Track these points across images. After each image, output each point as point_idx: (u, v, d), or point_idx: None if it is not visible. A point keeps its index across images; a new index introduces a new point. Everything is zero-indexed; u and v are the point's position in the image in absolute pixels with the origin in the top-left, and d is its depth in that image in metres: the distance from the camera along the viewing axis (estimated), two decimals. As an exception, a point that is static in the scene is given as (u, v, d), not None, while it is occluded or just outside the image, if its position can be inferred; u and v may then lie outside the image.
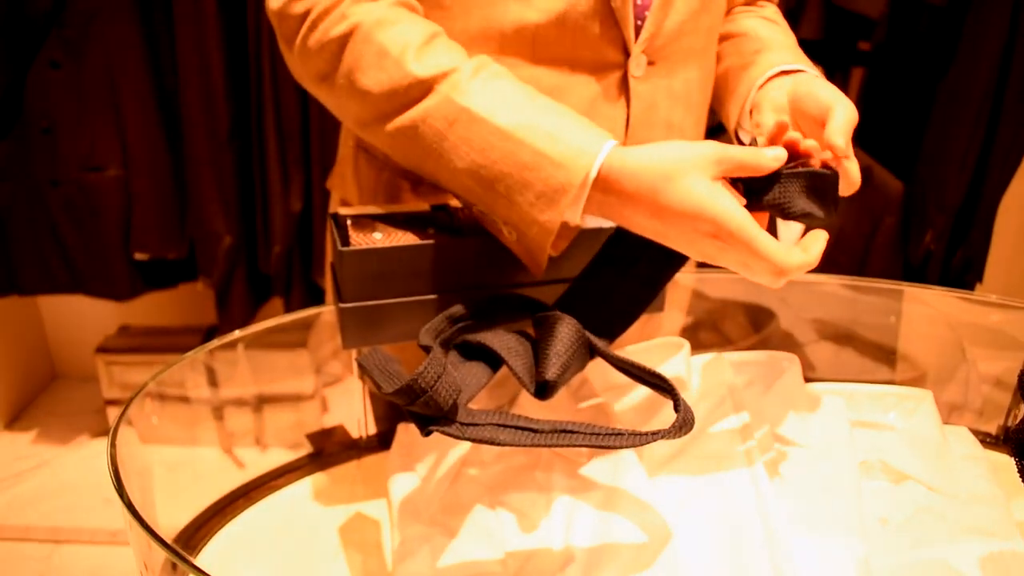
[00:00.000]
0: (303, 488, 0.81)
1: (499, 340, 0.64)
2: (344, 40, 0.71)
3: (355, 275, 0.69)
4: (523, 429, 0.56)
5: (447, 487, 0.71)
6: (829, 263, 0.76)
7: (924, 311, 1.01)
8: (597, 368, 0.71)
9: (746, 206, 0.63)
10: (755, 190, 0.64)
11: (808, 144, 0.66)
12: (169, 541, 0.55)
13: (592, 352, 0.65)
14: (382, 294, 0.70)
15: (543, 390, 0.62)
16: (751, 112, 0.84)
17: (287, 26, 0.74)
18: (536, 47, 0.77)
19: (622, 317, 0.70)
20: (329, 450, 0.86)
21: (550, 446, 0.56)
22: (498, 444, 0.55)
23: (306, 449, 0.86)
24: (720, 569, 0.59)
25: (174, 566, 0.55)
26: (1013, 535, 0.63)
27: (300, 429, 0.92)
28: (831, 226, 0.67)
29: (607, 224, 0.74)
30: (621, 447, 0.56)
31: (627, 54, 0.81)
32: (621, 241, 0.71)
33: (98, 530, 1.95)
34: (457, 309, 0.67)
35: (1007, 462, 0.76)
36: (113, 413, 2.16)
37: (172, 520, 0.73)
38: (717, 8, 0.88)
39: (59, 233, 1.89)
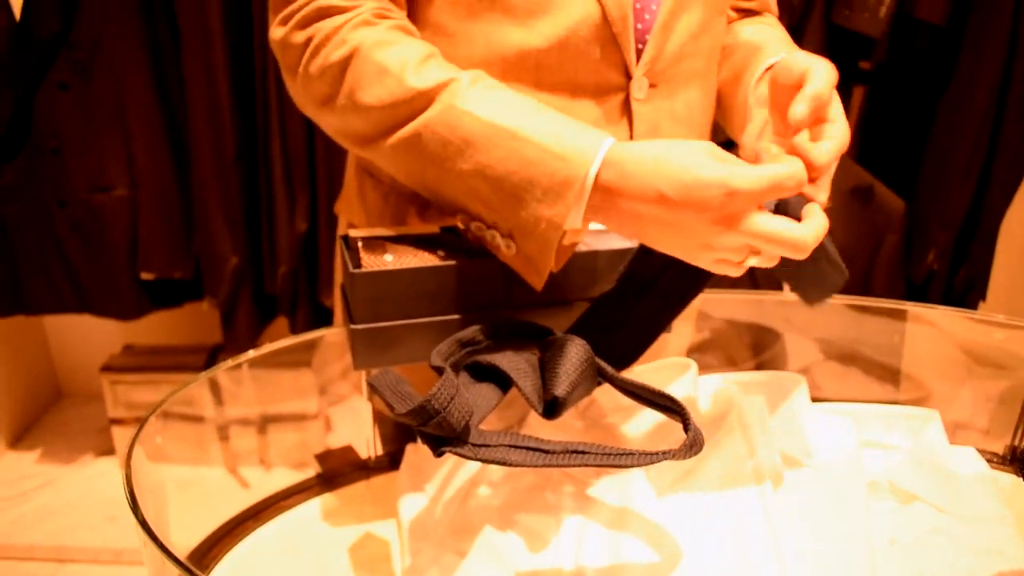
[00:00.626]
0: (312, 508, 0.81)
1: (508, 361, 0.65)
2: (345, 63, 0.72)
3: (366, 297, 0.70)
4: (535, 450, 0.56)
5: (457, 508, 0.71)
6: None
7: (928, 330, 1.01)
8: (605, 389, 0.71)
9: None
10: None
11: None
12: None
13: (601, 377, 0.65)
14: (393, 315, 0.71)
15: (551, 408, 0.62)
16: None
17: (290, 54, 0.76)
18: (539, 72, 0.78)
19: (634, 347, 0.71)
20: (338, 470, 0.87)
21: (562, 466, 0.56)
22: (510, 465, 0.56)
23: (311, 468, 0.87)
24: (730, 589, 0.59)
25: (188, 586, 0.56)
26: (1022, 555, 0.63)
27: (304, 449, 0.92)
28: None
29: (602, 247, 0.76)
30: (632, 466, 0.56)
31: (629, 77, 0.82)
32: (634, 271, 0.71)
33: (102, 549, 1.95)
34: (467, 333, 0.68)
35: (1015, 482, 0.76)
36: (118, 432, 2.16)
37: (184, 539, 0.73)
38: (717, 30, 0.89)
39: (66, 253, 1.90)
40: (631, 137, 0.84)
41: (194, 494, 0.85)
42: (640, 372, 0.77)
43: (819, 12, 1.75)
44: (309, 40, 0.74)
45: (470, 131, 0.68)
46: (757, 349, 1.05)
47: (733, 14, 0.96)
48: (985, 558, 0.63)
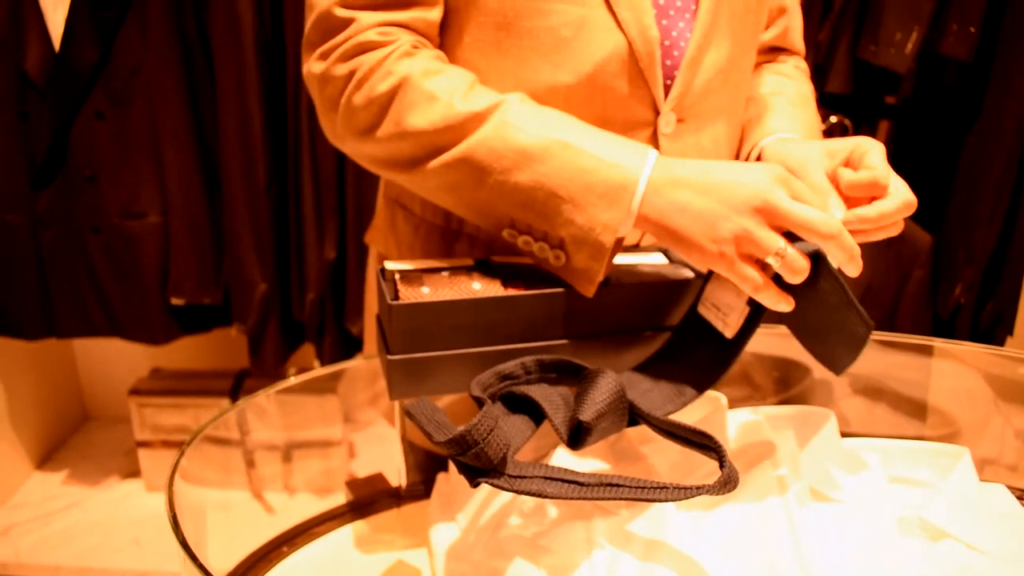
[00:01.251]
0: (345, 535, 0.82)
1: (542, 393, 0.66)
2: (393, 93, 0.75)
3: (403, 328, 0.71)
4: (570, 482, 0.57)
5: (488, 537, 0.72)
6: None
7: (955, 366, 1.02)
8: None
9: None
10: None
11: None
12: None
13: (633, 419, 0.67)
14: (428, 347, 0.72)
15: (576, 436, 0.64)
16: None
17: (332, 87, 0.78)
18: (568, 107, 0.80)
19: (673, 402, 0.73)
20: (368, 498, 0.88)
21: (596, 499, 0.57)
22: (546, 497, 0.56)
23: (338, 494, 0.88)
24: (761, 624, 0.60)
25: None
26: (1053, 595, 0.63)
27: (329, 475, 0.93)
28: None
29: (634, 281, 0.78)
30: (665, 500, 0.57)
31: (657, 112, 0.83)
32: (681, 334, 0.76)
33: (127, 571, 1.96)
34: (508, 367, 0.69)
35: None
36: (144, 454, 2.18)
37: (219, 563, 0.74)
38: (746, 65, 0.90)
39: (98, 278, 1.93)
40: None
41: (226, 518, 0.86)
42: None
43: (845, 47, 1.77)
44: (352, 73, 0.76)
45: (525, 144, 0.72)
46: (785, 383, 1.05)
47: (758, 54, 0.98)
48: (1017, 597, 0.63)
